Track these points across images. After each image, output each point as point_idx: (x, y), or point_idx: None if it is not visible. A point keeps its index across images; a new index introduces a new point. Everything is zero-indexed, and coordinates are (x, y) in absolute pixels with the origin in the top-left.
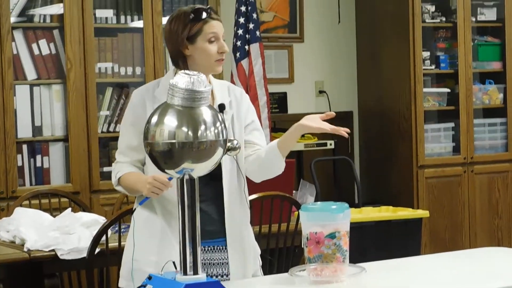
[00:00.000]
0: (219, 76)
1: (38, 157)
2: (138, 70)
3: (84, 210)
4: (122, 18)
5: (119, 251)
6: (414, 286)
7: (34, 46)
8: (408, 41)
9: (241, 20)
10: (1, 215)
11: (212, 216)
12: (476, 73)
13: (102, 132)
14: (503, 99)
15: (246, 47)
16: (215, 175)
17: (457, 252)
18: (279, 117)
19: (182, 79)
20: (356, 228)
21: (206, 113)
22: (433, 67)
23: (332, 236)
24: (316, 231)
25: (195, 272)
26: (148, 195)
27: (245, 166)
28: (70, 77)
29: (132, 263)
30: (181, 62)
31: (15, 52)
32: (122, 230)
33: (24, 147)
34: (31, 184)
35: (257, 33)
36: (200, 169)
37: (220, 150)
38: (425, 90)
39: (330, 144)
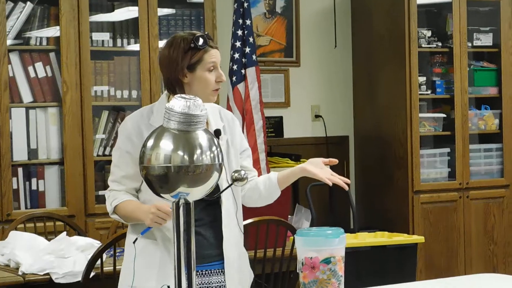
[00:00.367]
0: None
1: (34, 180)
2: (134, 94)
3: (79, 234)
4: (119, 41)
5: (114, 275)
6: None
7: (30, 68)
8: (404, 66)
9: (238, 44)
10: None
11: (209, 240)
12: (472, 98)
13: (97, 155)
14: (498, 125)
15: (243, 71)
16: (213, 200)
17: (453, 278)
18: (275, 142)
19: (178, 103)
20: (352, 253)
21: (202, 137)
22: (429, 92)
23: (327, 261)
24: (311, 256)
25: None
26: (151, 225)
27: (241, 192)
28: (66, 100)
29: None
30: (178, 89)
31: (11, 74)
32: (117, 254)
33: (20, 170)
34: (26, 208)
35: (254, 57)
36: (196, 193)
37: (216, 174)
38: (421, 115)
39: None
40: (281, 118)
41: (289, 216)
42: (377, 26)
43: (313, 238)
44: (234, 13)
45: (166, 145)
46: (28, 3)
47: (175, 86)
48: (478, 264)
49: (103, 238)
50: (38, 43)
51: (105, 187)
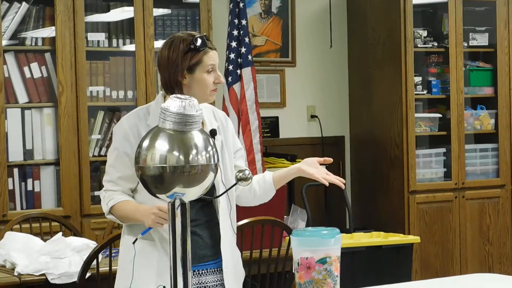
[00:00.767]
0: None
1: (29, 181)
2: (129, 94)
3: (75, 235)
4: (114, 41)
5: (110, 275)
6: None
7: (26, 69)
8: (400, 66)
9: (233, 44)
10: None
11: (205, 240)
12: (468, 98)
13: (93, 156)
14: (494, 125)
15: (238, 71)
16: (207, 193)
17: (448, 278)
18: (271, 142)
19: (173, 103)
20: (347, 254)
21: (197, 137)
22: (424, 92)
23: (323, 261)
24: (307, 256)
25: None
26: (153, 226)
27: (236, 192)
28: (62, 101)
29: None
30: (176, 90)
31: (6, 75)
32: (113, 254)
33: (15, 170)
34: (22, 208)
35: (249, 57)
36: (192, 193)
37: (211, 175)
38: (416, 115)
39: None
40: (276, 118)
41: (285, 217)
42: (373, 26)
43: (308, 238)
44: (229, 13)
45: (162, 145)
46: (24, 3)
47: (173, 87)
48: (473, 264)
49: (99, 239)
50: (33, 44)
51: (101, 187)
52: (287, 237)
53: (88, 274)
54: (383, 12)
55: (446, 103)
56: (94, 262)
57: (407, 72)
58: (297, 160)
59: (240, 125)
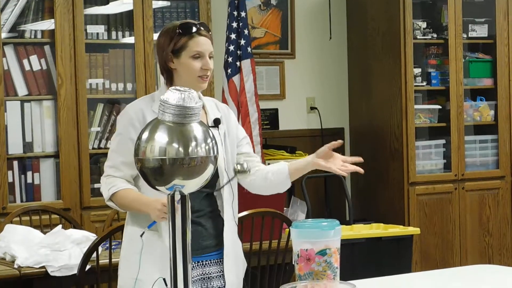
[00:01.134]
0: (209, 93)
1: (29, 174)
2: (129, 86)
3: (74, 227)
4: (114, 34)
5: (110, 268)
6: None
7: (25, 62)
8: (400, 58)
9: (233, 36)
10: None
11: (209, 230)
12: (467, 89)
13: (93, 148)
14: (494, 116)
15: (238, 63)
16: (209, 184)
17: (448, 269)
18: (271, 134)
19: (173, 95)
20: (347, 245)
21: (197, 129)
22: (424, 83)
23: (322, 253)
24: (307, 248)
25: None
26: (158, 220)
27: (248, 178)
28: (61, 93)
29: (135, 284)
30: (167, 75)
31: (5, 68)
32: (113, 247)
33: (15, 163)
34: (21, 201)
35: (249, 49)
36: (191, 185)
37: (211, 167)
38: (416, 106)
39: None
40: (276, 110)
41: (285, 208)
42: (372, 17)
43: (308, 230)
44: (229, 5)
45: (161, 137)
46: None
47: (165, 72)
48: (473, 256)
49: (99, 231)
50: (32, 36)
51: (100, 180)
52: (287, 229)
53: (88, 267)
54: (382, 3)
55: (446, 95)
56: (94, 255)
57: (406, 64)
58: (297, 152)
59: (239, 117)
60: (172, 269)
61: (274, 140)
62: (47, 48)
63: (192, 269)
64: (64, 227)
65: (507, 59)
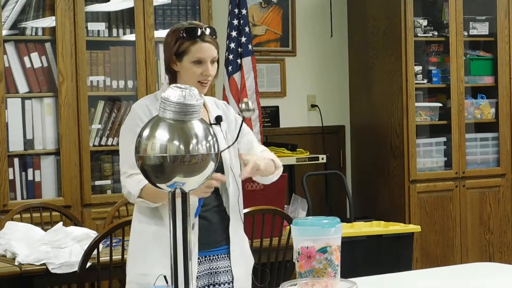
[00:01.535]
0: (210, 91)
1: (30, 171)
2: (130, 84)
3: (75, 224)
4: (114, 31)
5: (111, 265)
6: None
7: (26, 59)
8: (400, 55)
9: (234, 33)
10: None
11: (215, 225)
12: (468, 87)
13: (93, 145)
14: (495, 114)
15: (239, 60)
16: (218, 186)
17: (448, 267)
18: (271, 131)
19: (173, 93)
20: (348, 243)
21: (197, 127)
22: (425, 81)
23: (323, 250)
24: (308, 245)
25: (187, 286)
26: (204, 195)
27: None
28: (62, 91)
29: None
30: (171, 76)
31: (6, 65)
32: (113, 244)
33: (16, 160)
34: (22, 198)
35: (250, 46)
36: (192, 183)
37: (211, 164)
38: (417, 104)
39: (322, 159)
40: (277, 107)
41: (285, 206)
42: (373, 15)
43: (309, 227)
44: (229, 2)
45: (162, 135)
46: None
47: (169, 73)
48: (474, 253)
49: (100, 229)
50: (33, 34)
51: (102, 177)
52: (288, 227)
53: (88, 264)
54: (383, 1)
55: (447, 92)
56: (95, 252)
57: (407, 61)
58: (297, 149)
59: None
60: (173, 265)
61: (275, 137)
62: (48, 45)
63: (199, 263)
64: (65, 224)
65: (508, 57)
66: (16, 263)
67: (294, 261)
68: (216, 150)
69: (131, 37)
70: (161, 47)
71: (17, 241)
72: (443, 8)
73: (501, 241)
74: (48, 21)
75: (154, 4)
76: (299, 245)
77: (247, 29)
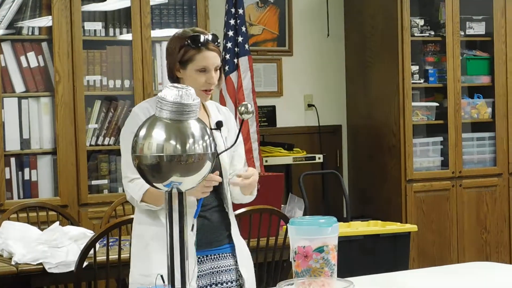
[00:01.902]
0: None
1: (26, 170)
2: (126, 83)
3: (72, 224)
4: (111, 30)
5: (107, 265)
6: None
7: (23, 58)
8: (397, 55)
9: (230, 33)
10: None
11: (215, 224)
12: (465, 87)
13: (90, 145)
14: (491, 113)
15: (235, 60)
16: (217, 185)
17: (445, 266)
18: (268, 131)
19: (170, 92)
20: (345, 242)
21: (194, 127)
22: (421, 81)
23: (320, 250)
24: (304, 245)
25: (183, 286)
26: (202, 196)
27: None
28: (59, 90)
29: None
30: (173, 81)
31: (3, 64)
32: (110, 244)
33: (12, 160)
34: (19, 197)
35: (246, 46)
36: (189, 182)
37: (208, 164)
38: (413, 104)
39: (319, 158)
40: (274, 107)
41: (282, 205)
42: (370, 15)
43: (306, 227)
44: (226, 2)
45: (159, 134)
46: None
47: (172, 79)
48: (470, 253)
49: (96, 228)
50: (30, 33)
51: (98, 177)
52: (285, 226)
53: (85, 263)
54: (380, 1)
55: (443, 92)
56: (92, 251)
57: (404, 61)
58: (294, 149)
59: (237, 114)
60: (170, 265)
61: (272, 137)
62: (44, 44)
63: (201, 262)
64: (62, 224)
65: (504, 56)
66: (13, 263)
67: (291, 260)
68: (213, 149)
69: (127, 36)
70: (158, 47)
71: (13, 240)
72: (440, 8)
73: (498, 241)
74: (45, 21)
75: (151, 3)
76: (295, 245)
77: (243, 28)
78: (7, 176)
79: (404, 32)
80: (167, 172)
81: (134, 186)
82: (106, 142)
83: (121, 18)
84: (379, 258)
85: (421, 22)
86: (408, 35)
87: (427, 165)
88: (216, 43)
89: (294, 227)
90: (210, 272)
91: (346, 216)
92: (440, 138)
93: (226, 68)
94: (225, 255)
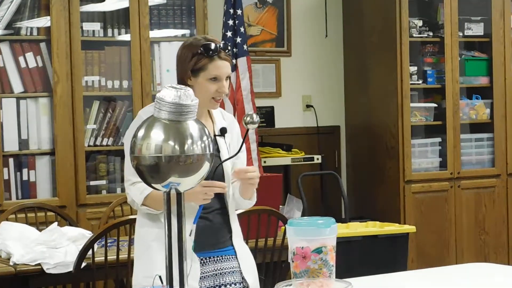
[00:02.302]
0: None
1: (25, 171)
2: (125, 84)
3: (70, 224)
4: (109, 31)
5: (106, 265)
6: None
7: (21, 59)
8: (396, 56)
9: (229, 33)
10: None
11: (218, 225)
12: (463, 88)
13: (88, 145)
14: (490, 114)
15: (234, 61)
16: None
17: (444, 267)
18: (267, 131)
19: (169, 93)
20: (343, 243)
21: (193, 127)
22: (420, 82)
23: (318, 251)
24: (303, 246)
25: (181, 287)
26: (204, 202)
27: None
28: (57, 91)
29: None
30: None
31: (1, 65)
32: (108, 244)
33: (11, 160)
34: (17, 198)
35: (245, 47)
36: (187, 183)
37: (206, 164)
38: (412, 105)
39: (317, 159)
40: (272, 108)
41: (281, 206)
42: (368, 15)
43: (304, 228)
44: (225, 3)
45: (157, 135)
46: None
47: (182, 84)
48: (469, 254)
49: (95, 229)
50: (28, 33)
51: (97, 177)
52: (283, 227)
53: (83, 264)
54: (378, 1)
55: (442, 93)
56: (90, 252)
57: (402, 62)
58: (293, 150)
59: (235, 115)
60: (168, 267)
61: (270, 138)
62: (43, 45)
63: (204, 264)
64: (60, 225)
65: (503, 57)
66: (11, 263)
67: (289, 261)
68: (211, 150)
69: (126, 37)
70: (156, 47)
71: (12, 241)
72: (438, 9)
73: (496, 242)
74: (43, 21)
75: (149, 4)
76: (294, 246)
77: (242, 29)
78: (6, 177)
79: (402, 33)
80: (165, 173)
81: (136, 189)
82: (104, 143)
83: (120, 18)
84: (377, 259)
85: (419, 23)
86: (406, 36)
87: (426, 166)
88: (227, 51)
89: (292, 228)
90: (214, 273)
91: (345, 217)
92: (439, 139)
93: None
94: (229, 257)
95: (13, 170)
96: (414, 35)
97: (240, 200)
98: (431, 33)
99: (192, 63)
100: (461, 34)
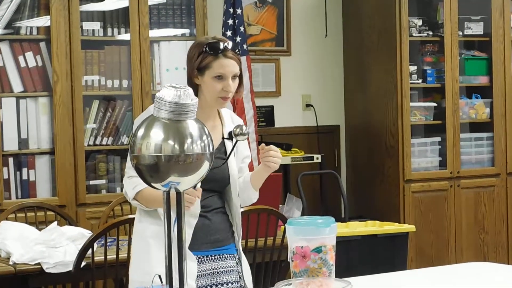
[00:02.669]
0: None
1: (24, 170)
2: (125, 83)
3: (70, 224)
4: (109, 30)
5: (105, 265)
6: None
7: (21, 58)
8: (395, 55)
9: (228, 33)
10: None
11: (216, 224)
12: (463, 87)
13: (88, 145)
14: (489, 114)
15: None
16: (220, 186)
17: (443, 267)
18: (266, 131)
19: (168, 92)
20: (343, 243)
21: (192, 127)
22: (420, 81)
23: (318, 250)
24: (302, 245)
25: (181, 286)
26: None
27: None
28: (57, 90)
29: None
30: (192, 87)
31: (1, 64)
32: (108, 244)
33: (10, 160)
34: (17, 197)
35: (245, 46)
36: (187, 182)
37: (206, 164)
38: (412, 104)
39: (317, 158)
40: (272, 107)
41: (280, 206)
42: (368, 15)
43: (304, 227)
44: (224, 2)
45: (157, 134)
46: None
47: (191, 86)
48: (468, 253)
49: (94, 228)
50: (28, 33)
51: (96, 177)
52: (283, 226)
53: (83, 264)
54: (378, 1)
55: (441, 92)
56: (90, 251)
57: (402, 61)
58: (292, 149)
59: (235, 114)
60: (167, 266)
61: (270, 137)
62: (42, 44)
63: (201, 263)
64: (59, 224)
65: (502, 56)
66: (11, 263)
67: (289, 260)
68: (211, 150)
69: (126, 36)
70: (156, 47)
71: (11, 240)
72: (438, 8)
73: (496, 241)
74: (43, 21)
75: (149, 3)
76: (293, 245)
77: (242, 28)
78: (5, 176)
79: (402, 32)
80: (165, 172)
81: (130, 183)
82: (104, 142)
83: (120, 18)
84: (377, 258)
85: (419, 22)
86: (406, 35)
87: (425, 165)
88: (236, 51)
89: (292, 227)
90: (211, 272)
91: (344, 216)
92: (438, 138)
93: None
94: (227, 256)
95: (13, 169)
96: (414, 34)
97: (247, 193)
98: (430, 33)
99: (198, 61)
100: (460, 33)
